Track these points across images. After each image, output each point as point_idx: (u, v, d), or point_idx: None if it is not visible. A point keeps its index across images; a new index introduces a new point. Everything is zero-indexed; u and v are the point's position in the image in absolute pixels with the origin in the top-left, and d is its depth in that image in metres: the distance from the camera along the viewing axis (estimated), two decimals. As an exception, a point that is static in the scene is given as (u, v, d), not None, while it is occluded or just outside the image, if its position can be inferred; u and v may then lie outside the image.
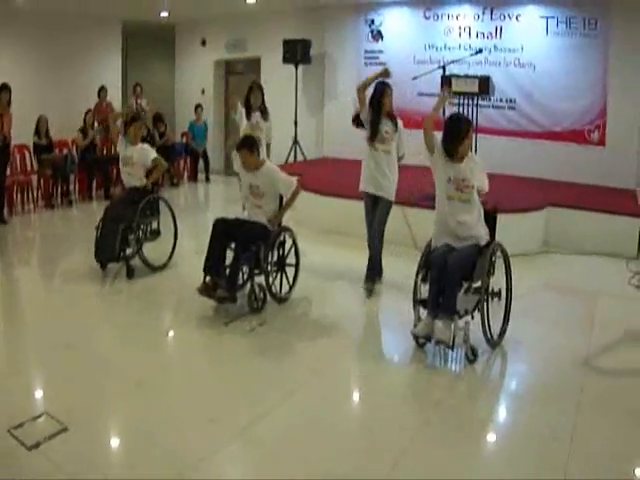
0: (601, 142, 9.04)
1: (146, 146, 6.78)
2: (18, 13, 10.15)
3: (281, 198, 5.67)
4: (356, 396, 4.36)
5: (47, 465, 3.22)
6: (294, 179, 5.67)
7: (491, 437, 3.75)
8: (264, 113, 7.52)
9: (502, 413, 4.06)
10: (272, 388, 4.17)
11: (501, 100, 9.66)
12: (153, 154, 6.68)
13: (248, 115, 7.47)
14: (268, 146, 7.61)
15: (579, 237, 7.42)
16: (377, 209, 5.99)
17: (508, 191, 7.80)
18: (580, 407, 3.92)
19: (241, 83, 12.55)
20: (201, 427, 3.66)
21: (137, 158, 6.58)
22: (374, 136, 5.87)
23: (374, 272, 6.10)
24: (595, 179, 8.84)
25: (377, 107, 5.86)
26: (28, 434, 3.46)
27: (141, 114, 10.72)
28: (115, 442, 3.64)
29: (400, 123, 5.95)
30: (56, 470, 3.19)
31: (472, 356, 4.48)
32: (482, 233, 4.70)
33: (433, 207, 4.86)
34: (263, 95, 7.54)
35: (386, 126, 5.87)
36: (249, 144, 5.57)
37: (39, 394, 4.14)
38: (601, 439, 3.59)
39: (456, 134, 4.61)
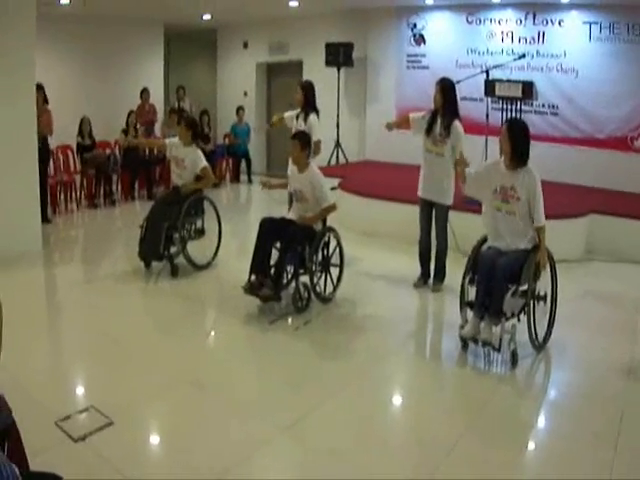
0: (645, 150, 8.93)
1: (198, 152, 6.72)
2: (63, 16, 10.30)
3: None
4: (400, 396, 4.38)
5: (93, 457, 3.28)
6: (332, 198, 5.73)
7: (535, 440, 3.75)
8: (307, 115, 6.88)
9: (546, 417, 4.05)
10: (316, 387, 4.22)
11: (543, 106, 9.58)
12: (203, 163, 6.66)
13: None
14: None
15: (622, 245, 7.33)
16: (435, 214, 6.02)
17: (550, 197, 7.65)
18: (623, 414, 3.89)
19: (283, 85, 12.68)
20: (244, 423, 3.71)
21: (189, 163, 6.60)
22: (428, 133, 5.90)
23: (439, 275, 6.14)
24: (639, 187, 8.73)
25: (434, 107, 5.92)
26: (75, 427, 3.53)
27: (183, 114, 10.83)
28: (159, 437, 3.69)
29: (457, 125, 5.81)
30: (102, 463, 3.24)
31: (513, 360, 4.49)
32: (529, 239, 4.66)
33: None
34: (305, 95, 6.94)
35: (441, 128, 5.84)
36: (301, 137, 5.72)
37: (85, 388, 4.23)
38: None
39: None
